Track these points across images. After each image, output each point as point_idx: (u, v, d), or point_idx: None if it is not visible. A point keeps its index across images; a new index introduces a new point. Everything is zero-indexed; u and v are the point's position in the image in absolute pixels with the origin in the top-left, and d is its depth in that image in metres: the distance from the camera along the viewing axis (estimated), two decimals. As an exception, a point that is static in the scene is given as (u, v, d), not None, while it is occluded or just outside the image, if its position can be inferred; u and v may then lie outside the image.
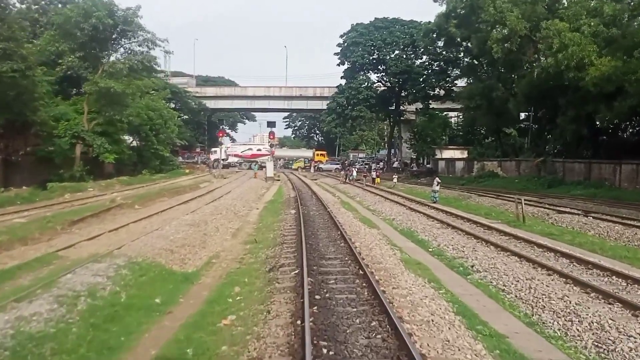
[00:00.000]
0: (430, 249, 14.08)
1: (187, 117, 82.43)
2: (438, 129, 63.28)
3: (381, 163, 69.83)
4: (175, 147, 70.55)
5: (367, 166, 59.99)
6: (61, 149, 32.40)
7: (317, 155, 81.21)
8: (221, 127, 50.73)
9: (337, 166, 74.62)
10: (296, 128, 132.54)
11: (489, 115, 45.31)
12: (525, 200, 20.92)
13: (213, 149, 70.69)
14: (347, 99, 59.92)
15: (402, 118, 65.96)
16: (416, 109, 66.99)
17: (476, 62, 49.07)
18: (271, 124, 49.07)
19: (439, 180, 29.11)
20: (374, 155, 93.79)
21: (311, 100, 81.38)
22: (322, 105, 79.76)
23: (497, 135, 47.93)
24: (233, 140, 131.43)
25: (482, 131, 58.93)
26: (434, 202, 27.63)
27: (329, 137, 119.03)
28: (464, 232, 16.28)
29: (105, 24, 32.88)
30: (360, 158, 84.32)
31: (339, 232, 15.43)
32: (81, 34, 31.52)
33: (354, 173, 42.49)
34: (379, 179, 38.19)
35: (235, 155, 72.70)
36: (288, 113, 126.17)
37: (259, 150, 65.34)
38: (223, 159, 70.96)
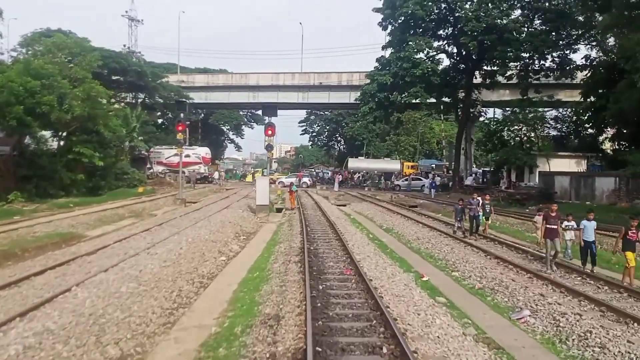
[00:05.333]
0: None
1: (161, 113, 61.43)
2: (529, 124, 40.88)
3: (437, 179, 47.31)
4: (141, 154, 49.43)
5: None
6: None
7: (407, 167, 59.09)
8: (181, 116, 28.70)
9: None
10: (314, 134, 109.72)
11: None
12: None
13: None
14: (395, 77, 37.73)
15: (475, 111, 43.63)
16: (479, 101, 44.63)
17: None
18: (269, 110, 27.32)
19: None
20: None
21: (335, 91, 59.41)
22: (350, 97, 58.03)
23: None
24: (239, 148, 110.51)
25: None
26: None
27: (352, 144, 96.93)
28: None
29: None
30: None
31: None
32: None
33: (480, 213, 18.61)
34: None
35: (159, 163, 50.66)
36: (305, 116, 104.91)
37: (187, 156, 41.56)
38: (147, 167, 49.40)
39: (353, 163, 61.90)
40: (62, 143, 31.45)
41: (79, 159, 29.68)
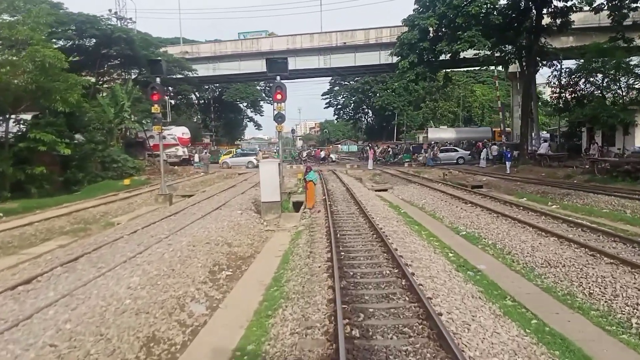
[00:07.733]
0: None
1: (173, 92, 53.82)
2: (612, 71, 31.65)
3: (494, 147, 38.45)
4: (138, 138, 42.51)
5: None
6: None
7: (499, 135, 49.60)
8: (157, 80, 21.00)
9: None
10: (339, 107, 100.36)
11: None
12: None
13: None
14: (442, 19, 28.93)
15: (544, 60, 34.34)
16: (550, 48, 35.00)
17: None
18: (276, 65, 18.93)
19: None
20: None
21: (362, 52, 50.70)
22: (380, 58, 49.40)
23: None
24: (258, 126, 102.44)
25: None
26: None
27: (382, 115, 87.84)
28: None
29: None
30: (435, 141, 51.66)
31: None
32: None
33: None
34: None
35: None
36: (328, 88, 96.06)
37: (164, 138, 31.67)
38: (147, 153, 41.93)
39: (434, 133, 53.13)
40: (15, 129, 24.66)
41: (34, 147, 22.64)
